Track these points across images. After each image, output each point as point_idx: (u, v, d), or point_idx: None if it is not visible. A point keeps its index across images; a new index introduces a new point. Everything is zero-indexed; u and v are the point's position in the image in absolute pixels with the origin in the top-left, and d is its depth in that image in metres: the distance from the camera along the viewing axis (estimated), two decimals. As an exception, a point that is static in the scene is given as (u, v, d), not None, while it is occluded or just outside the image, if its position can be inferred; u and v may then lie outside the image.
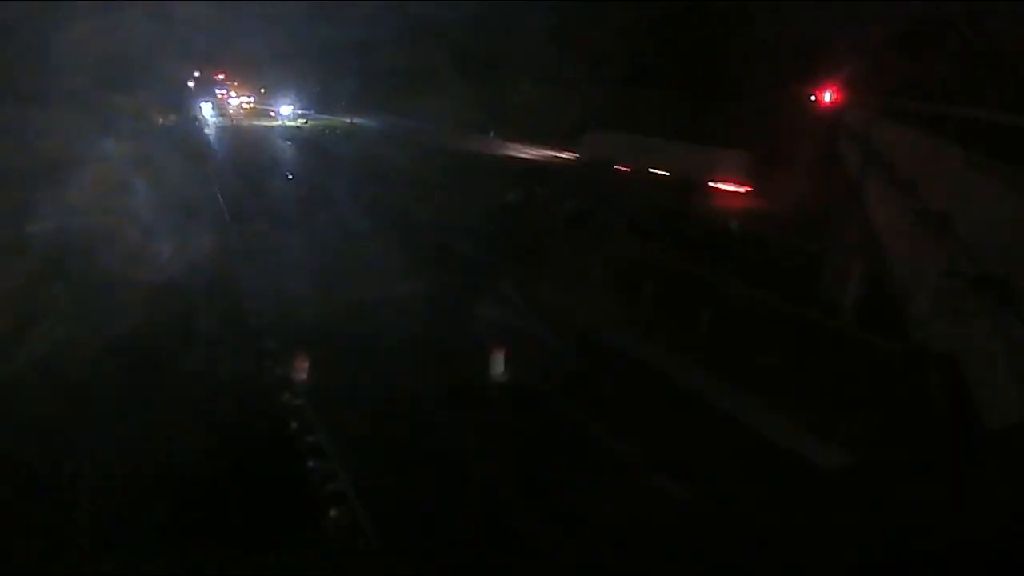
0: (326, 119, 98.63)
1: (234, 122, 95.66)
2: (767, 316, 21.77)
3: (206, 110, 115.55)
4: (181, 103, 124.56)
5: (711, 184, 45.79)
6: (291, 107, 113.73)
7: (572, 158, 60.07)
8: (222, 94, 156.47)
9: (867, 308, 21.93)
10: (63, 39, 73.42)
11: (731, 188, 45.29)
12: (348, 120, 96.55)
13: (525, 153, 68.47)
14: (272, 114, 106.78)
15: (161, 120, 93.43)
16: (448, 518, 9.01)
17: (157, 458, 11.13)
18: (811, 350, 18.98)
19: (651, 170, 50.92)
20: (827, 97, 44.56)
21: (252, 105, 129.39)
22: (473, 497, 9.82)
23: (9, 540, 9.67)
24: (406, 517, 9.27)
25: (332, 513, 9.65)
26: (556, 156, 64.09)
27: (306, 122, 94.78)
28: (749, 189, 45.20)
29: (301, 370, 15.69)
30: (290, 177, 49.39)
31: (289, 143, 72.41)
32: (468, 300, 21.93)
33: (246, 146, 69.52)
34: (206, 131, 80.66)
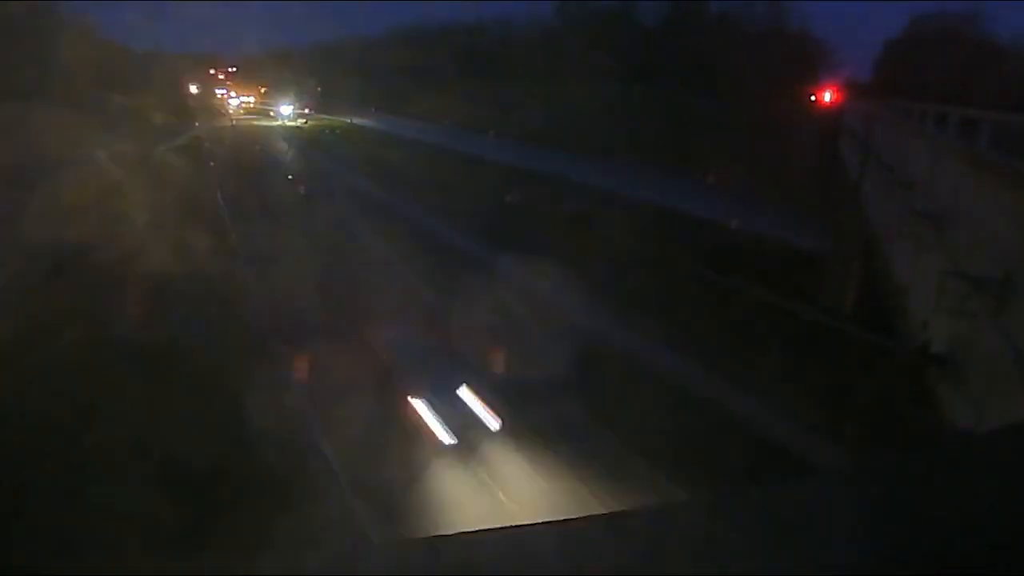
0: (327, 119, 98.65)
1: (234, 122, 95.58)
2: (763, 312, 21.80)
3: (206, 110, 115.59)
4: (181, 103, 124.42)
5: None
6: (291, 107, 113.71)
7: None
8: (222, 94, 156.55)
9: (867, 307, 22.04)
10: (63, 39, 73.50)
11: None
12: (348, 120, 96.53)
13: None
14: (272, 114, 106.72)
15: (160, 120, 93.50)
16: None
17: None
18: (804, 347, 19.02)
19: None
20: (827, 97, 44.69)
21: (252, 105, 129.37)
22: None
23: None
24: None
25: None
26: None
27: (306, 122, 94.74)
28: None
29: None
30: (290, 178, 49.37)
31: (288, 143, 72.40)
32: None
33: (245, 145, 69.38)
34: (206, 131, 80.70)
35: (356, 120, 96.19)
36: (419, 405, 13.65)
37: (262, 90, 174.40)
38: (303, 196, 41.23)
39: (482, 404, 13.60)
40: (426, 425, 13.32)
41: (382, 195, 42.45)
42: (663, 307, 21.71)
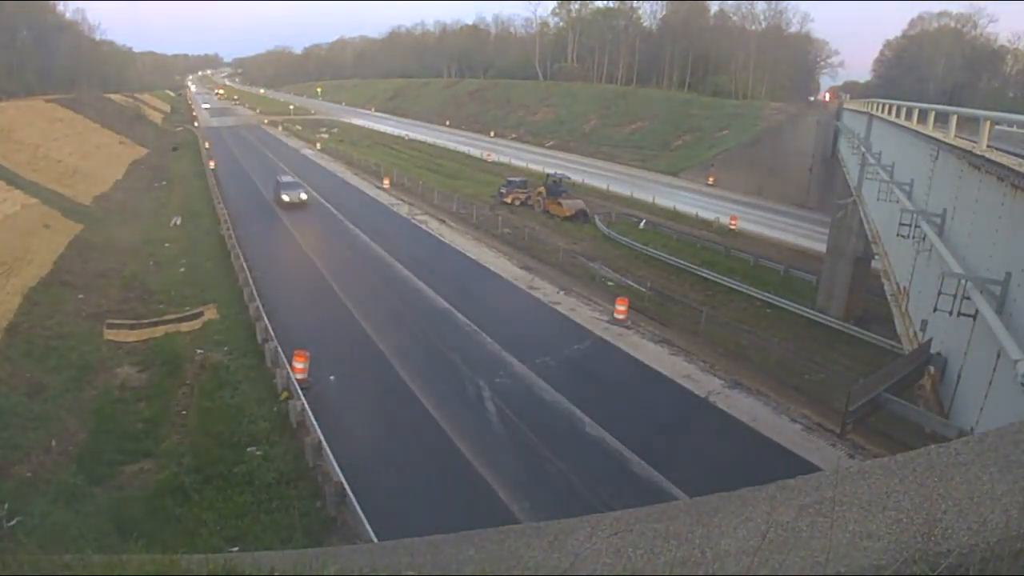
0: (325, 119, 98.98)
1: (232, 123, 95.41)
2: (757, 306, 21.87)
3: (204, 109, 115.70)
4: (180, 103, 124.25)
5: None
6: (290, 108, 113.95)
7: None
8: (221, 95, 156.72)
9: (865, 307, 22.07)
10: (64, 39, 73.30)
11: None
12: (346, 120, 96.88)
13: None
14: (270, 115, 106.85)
15: (161, 119, 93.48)
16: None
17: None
18: (797, 346, 19.03)
19: None
20: (826, 98, 44.76)
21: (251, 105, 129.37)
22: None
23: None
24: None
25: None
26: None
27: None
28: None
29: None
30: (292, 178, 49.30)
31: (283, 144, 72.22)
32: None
33: (241, 142, 69.33)
34: (205, 130, 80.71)
35: (356, 120, 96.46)
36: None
37: (261, 91, 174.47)
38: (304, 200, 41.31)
39: None
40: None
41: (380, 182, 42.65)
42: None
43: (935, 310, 7.23)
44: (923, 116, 12.84)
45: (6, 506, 10.28)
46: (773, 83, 69.24)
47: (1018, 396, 5.03)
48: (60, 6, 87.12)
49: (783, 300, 22.41)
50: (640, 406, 15.68)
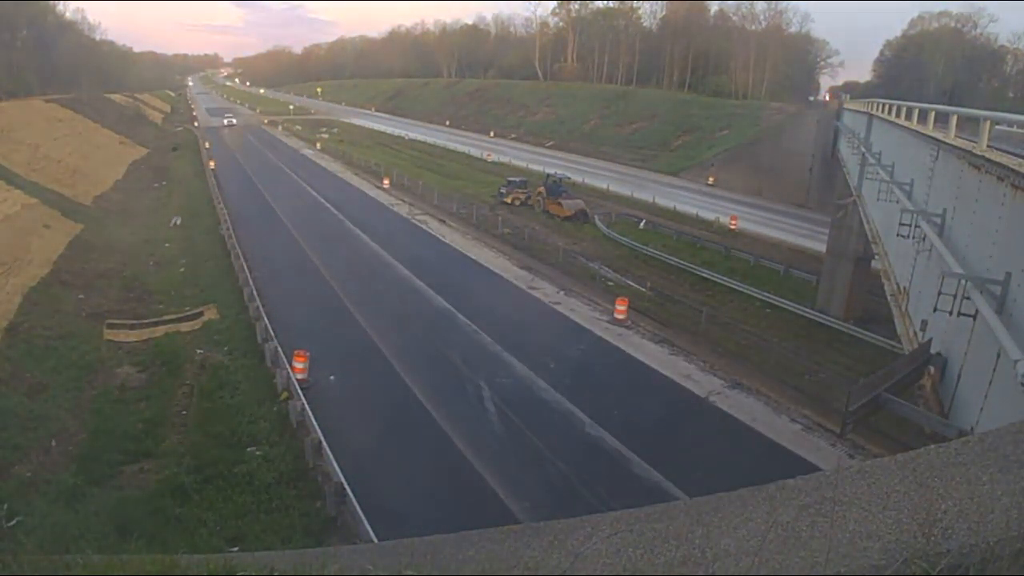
0: (325, 119, 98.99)
1: (229, 123, 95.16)
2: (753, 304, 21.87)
3: (203, 109, 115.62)
4: (180, 103, 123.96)
5: None
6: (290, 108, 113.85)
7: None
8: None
9: (865, 307, 22.05)
10: (64, 39, 73.12)
11: None
12: (346, 120, 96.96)
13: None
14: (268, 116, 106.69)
15: (161, 119, 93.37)
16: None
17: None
18: (797, 346, 19.02)
19: None
20: (826, 98, 44.80)
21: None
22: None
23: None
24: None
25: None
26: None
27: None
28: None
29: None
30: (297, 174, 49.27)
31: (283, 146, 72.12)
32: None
33: (241, 142, 69.37)
34: (204, 129, 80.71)
35: (355, 121, 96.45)
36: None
37: (261, 91, 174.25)
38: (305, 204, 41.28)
39: None
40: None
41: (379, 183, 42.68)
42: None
43: (935, 310, 7.22)
44: (923, 116, 12.82)
45: (6, 506, 10.27)
46: (773, 83, 69.19)
47: (1018, 396, 5.03)
48: (60, 6, 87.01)
49: (783, 300, 22.40)
50: (640, 406, 15.67)
